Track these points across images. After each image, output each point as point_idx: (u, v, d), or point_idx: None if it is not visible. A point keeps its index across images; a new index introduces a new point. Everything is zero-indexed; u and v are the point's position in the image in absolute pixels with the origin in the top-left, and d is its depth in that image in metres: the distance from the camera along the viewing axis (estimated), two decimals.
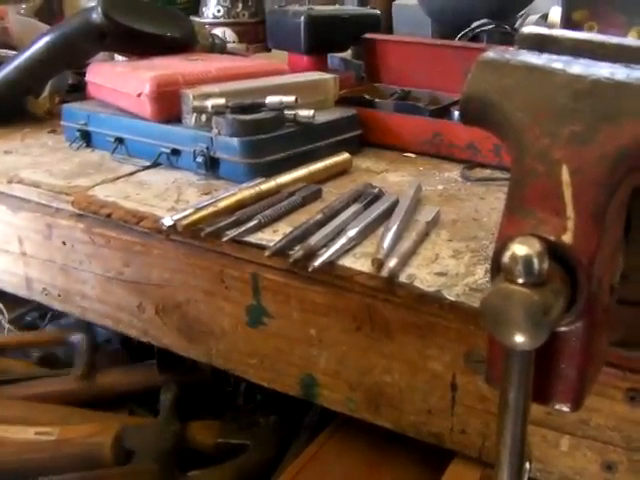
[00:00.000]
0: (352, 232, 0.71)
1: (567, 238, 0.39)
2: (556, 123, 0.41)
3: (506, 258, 0.36)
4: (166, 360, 1.02)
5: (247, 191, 0.79)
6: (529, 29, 0.50)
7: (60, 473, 0.83)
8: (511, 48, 0.48)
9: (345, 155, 0.92)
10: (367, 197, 0.79)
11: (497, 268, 0.39)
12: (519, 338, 0.36)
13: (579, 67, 0.43)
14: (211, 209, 0.75)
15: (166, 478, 0.87)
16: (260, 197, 0.79)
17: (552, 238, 0.39)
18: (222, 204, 0.76)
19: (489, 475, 0.65)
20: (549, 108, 0.42)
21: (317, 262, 0.66)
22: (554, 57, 0.45)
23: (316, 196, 0.82)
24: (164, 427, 0.93)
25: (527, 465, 0.45)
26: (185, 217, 0.74)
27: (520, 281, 0.36)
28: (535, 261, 0.36)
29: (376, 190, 0.80)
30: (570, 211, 0.39)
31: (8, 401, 0.99)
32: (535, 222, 0.40)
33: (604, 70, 0.42)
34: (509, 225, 0.41)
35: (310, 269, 0.66)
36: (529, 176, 0.41)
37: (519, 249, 0.36)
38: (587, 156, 0.40)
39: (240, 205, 0.77)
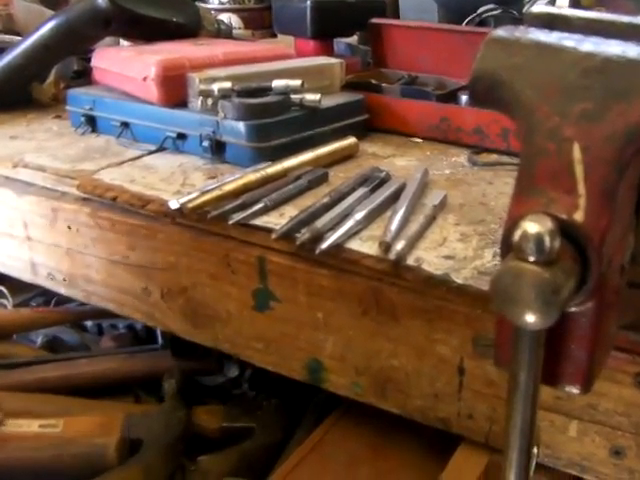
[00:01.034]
0: (359, 215, 0.70)
1: (578, 216, 0.38)
2: (566, 101, 0.41)
3: (517, 236, 0.36)
4: (178, 346, 1.02)
5: (253, 175, 0.78)
6: (538, 8, 0.50)
7: (64, 472, 0.82)
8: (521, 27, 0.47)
9: (352, 139, 0.91)
10: (374, 181, 0.78)
11: (507, 248, 0.39)
12: (530, 317, 0.36)
13: (590, 45, 0.43)
14: (217, 192, 0.75)
15: (174, 465, 0.87)
16: (266, 181, 0.79)
17: (563, 216, 0.38)
18: (228, 187, 0.76)
19: (496, 460, 0.65)
20: (559, 86, 0.42)
21: (324, 245, 0.66)
22: (565, 35, 0.44)
23: (322, 180, 0.81)
24: (170, 414, 0.93)
25: (535, 450, 0.44)
26: (191, 200, 0.73)
27: (531, 259, 0.35)
28: (547, 239, 0.35)
29: (383, 174, 0.80)
30: (582, 189, 0.38)
31: (7, 393, 0.98)
32: (546, 201, 0.39)
33: (615, 48, 0.42)
34: (519, 204, 0.40)
35: (317, 252, 0.66)
36: (539, 155, 0.41)
37: (531, 227, 0.35)
38: (597, 134, 0.39)
39: (246, 189, 0.76)
